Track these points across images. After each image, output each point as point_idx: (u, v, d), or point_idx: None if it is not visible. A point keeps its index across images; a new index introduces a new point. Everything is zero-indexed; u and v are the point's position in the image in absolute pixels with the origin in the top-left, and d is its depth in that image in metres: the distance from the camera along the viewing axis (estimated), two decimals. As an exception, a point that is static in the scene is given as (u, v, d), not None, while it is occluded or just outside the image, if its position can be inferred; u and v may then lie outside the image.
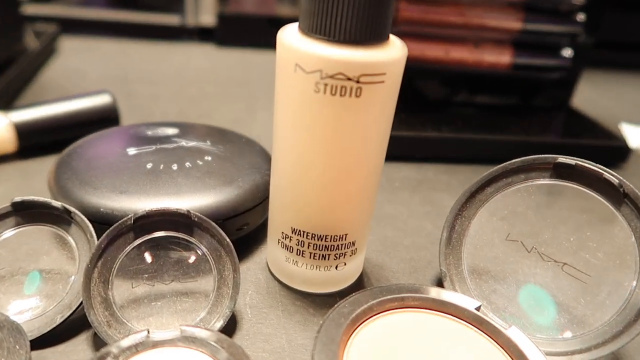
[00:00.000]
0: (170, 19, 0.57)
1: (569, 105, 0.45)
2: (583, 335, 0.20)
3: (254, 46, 0.57)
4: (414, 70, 0.40)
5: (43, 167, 0.30)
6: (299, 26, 0.19)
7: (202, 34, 0.58)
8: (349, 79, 0.17)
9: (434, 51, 0.38)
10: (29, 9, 0.53)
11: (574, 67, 0.42)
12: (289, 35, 0.18)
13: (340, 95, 0.18)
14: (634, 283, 0.20)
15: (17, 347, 0.16)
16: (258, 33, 0.57)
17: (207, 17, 0.58)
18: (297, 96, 0.18)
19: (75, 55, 0.49)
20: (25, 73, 0.41)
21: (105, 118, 0.32)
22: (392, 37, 0.19)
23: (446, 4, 0.36)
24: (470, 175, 0.35)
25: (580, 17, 0.39)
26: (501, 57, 0.39)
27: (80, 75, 0.45)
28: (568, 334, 0.20)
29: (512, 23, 0.38)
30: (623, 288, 0.20)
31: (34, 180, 0.28)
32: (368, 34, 0.17)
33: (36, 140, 0.30)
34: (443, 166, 0.36)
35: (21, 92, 0.39)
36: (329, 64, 0.17)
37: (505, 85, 0.43)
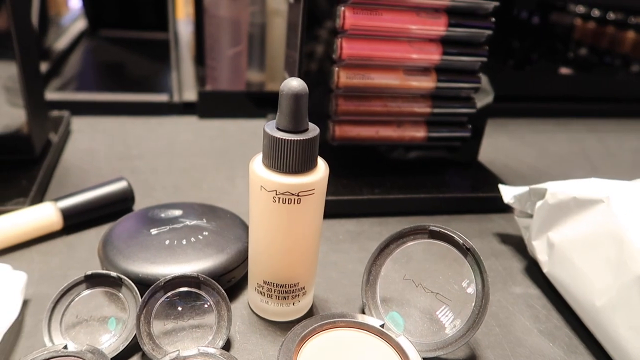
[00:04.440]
0: (159, 97, 0.69)
1: (477, 161, 0.58)
2: (445, 338, 0.32)
3: (229, 116, 0.70)
4: (354, 147, 0.53)
5: (83, 241, 0.41)
6: (263, 161, 0.31)
7: (186, 108, 0.70)
8: (292, 194, 0.30)
9: (367, 132, 0.51)
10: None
11: (475, 134, 0.55)
12: (257, 167, 0.31)
13: (288, 203, 0.30)
14: (474, 303, 0.32)
15: (105, 364, 0.27)
16: (232, 105, 0.70)
17: (190, 94, 0.71)
18: (262, 204, 0.30)
19: (85, 136, 0.61)
20: (54, 159, 0.52)
21: (124, 199, 0.44)
22: (319, 162, 0.32)
23: (373, 99, 0.49)
24: (397, 225, 0.47)
25: (476, 101, 0.53)
26: (418, 133, 0.52)
27: (92, 155, 0.56)
28: (437, 338, 0.32)
29: (424, 109, 0.51)
30: (468, 307, 0.32)
31: (78, 251, 0.40)
32: (302, 168, 0.30)
33: (76, 220, 0.42)
34: (377, 219, 0.49)
35: (51, 177, 0.50)
36: (280, 187, 0.29)
37: (428, 147, 0.56)
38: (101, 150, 0.57)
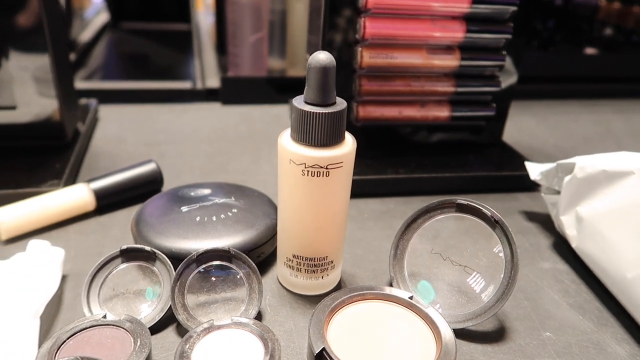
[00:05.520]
0: (183, 85, 0.70)
1: (502, 140, 0.58)
2: (474, 309, 0.32)
3: (251, 102, 0.70)
4: (378, 128, 0.53)
5: (115, 221, 0.42)
6: (291, 135, 0.31)
7: (209, 95, 0.71)
8: (321, 167, 0.30)
9: (390, 112, 0.51)
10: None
11: (499, 115, 0.55)
12: (285, 141, 0.31)
13: (317, 176, 0.30)
14: (502, 275, 0.32)
15: (143, 332, 0.28)
16: (254, 91, 0.71)
17: (213, 81, 0.71)
18: (291, 177, 0.31)
19: (112, 122, 0.62)
20: (84, 144, 0.53)
21: (154, 180, 0.45)
22: (346, 135, 0.32)
23: (396, 79, 0.49)
24: (421, 204, 0.47)
25: (500, 79, 0.52)
26: (441, 113, 0.52)
27: (120, 141, 0.57)
28: (466, 310, 0.33)
29: (447, 88, 0.51)
30: (496, 279, 0.32)
31: (111, 231, 0.41)
32: (330, 141, 0.30)
33: (108, 201, 0.43)
34: (402, 199, 0.49)
35: (82, 161, 0.52)
36: (309, 160, 0.30)
37: (451, 128, 0.56)
38: (128, 136, 0.59)
